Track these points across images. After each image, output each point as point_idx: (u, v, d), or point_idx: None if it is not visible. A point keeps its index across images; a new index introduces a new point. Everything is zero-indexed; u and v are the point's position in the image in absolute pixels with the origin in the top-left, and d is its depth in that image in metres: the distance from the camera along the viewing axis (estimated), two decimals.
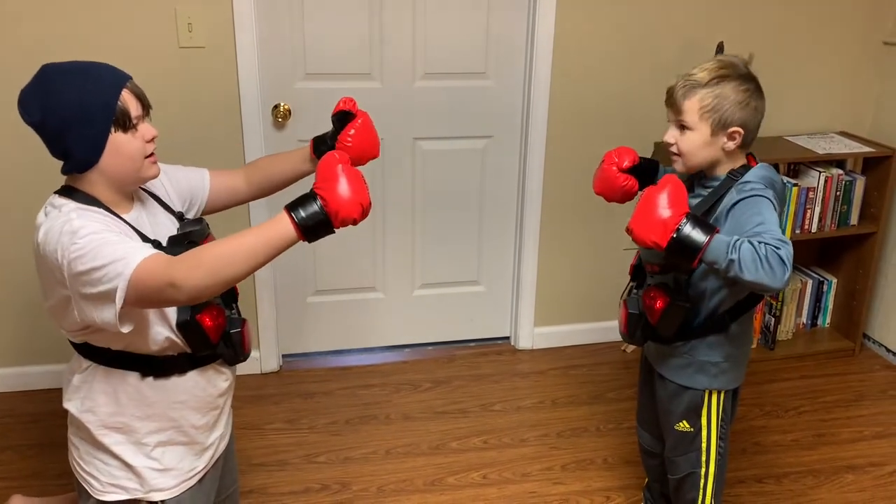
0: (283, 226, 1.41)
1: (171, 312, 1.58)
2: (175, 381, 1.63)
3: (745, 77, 1.64)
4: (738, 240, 1.45)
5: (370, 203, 1.44)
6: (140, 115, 1.56)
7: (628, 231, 1.51)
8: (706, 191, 1.70)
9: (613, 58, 2.77)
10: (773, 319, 3.05)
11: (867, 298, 3.04)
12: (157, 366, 1.60)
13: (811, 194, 2.83)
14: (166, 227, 1.69)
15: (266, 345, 2.86)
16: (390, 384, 2.83)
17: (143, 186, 1.70)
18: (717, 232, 1.47)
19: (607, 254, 2.96)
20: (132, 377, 1.59)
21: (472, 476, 2.36)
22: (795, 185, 2.81)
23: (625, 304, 1.78)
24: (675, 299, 1.65)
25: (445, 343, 3.09)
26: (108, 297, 1.41)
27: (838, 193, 2.87)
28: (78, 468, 1.67)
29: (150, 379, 1.60)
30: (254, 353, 2.83)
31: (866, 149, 2.86)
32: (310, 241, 1.43)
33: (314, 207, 1.41)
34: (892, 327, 3.06)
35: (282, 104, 2.63)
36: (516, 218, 2.97)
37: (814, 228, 2.89)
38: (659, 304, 1.66)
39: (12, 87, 1.59)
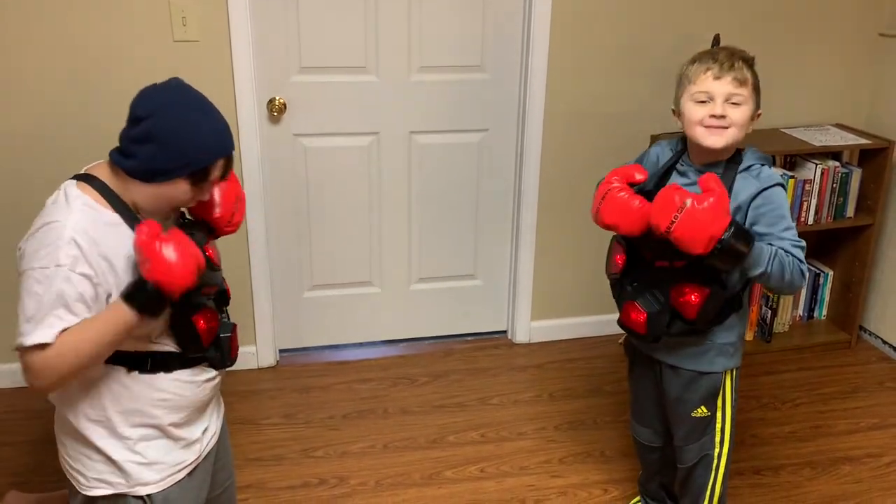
0: (119, 311, 1.46)
1: (165, 313, 1.58)
2: (160, 378, 1.62)
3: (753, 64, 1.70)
4: (774, 253, 1.57)
5: (201, 260, 1.50)
6: (216, 180, 1.57)
7: (666, 233, 1.52)
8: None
9: (610, 50, 2.77)
10: (770, 312, 3.06)
11: (863, 291, 3.04)
12: (143, 363, 1.60)
13: (807, 186, 2.83)
14: (170, 225, 1.69)
15: (262, 340, 2.86)
16: (387, 378, 2.83)
17: None
18: (754, 237, 1.56)
19: (604, 247, 2.93)
20: (118, 371, 1.59)
21: (469, 470, 2.36)
22: (792, 177, 2.80)
23: (634, 305, 1.71)
24: (715, 289, 1.64)
25: (442, 337, 3.09)
26: (22, 322, 1.45)
27: (834, 185, 2.87)
28: (66, 464, 1.67)
29: (135, 373, 1.60)
30: (250, 348, 2.84)
31: (862, 141, 2.86)
32: (150, 317, 1.48)
33: (139, 283, 1.46)
34: (888, 319, 3.07)
35: (277, 98, 2.62)
36: (513, 211, 2.96)
37: (810, 221, 2.89)
38: (695, 297, 1.63)
39: None
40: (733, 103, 1.64)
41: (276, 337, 2.90)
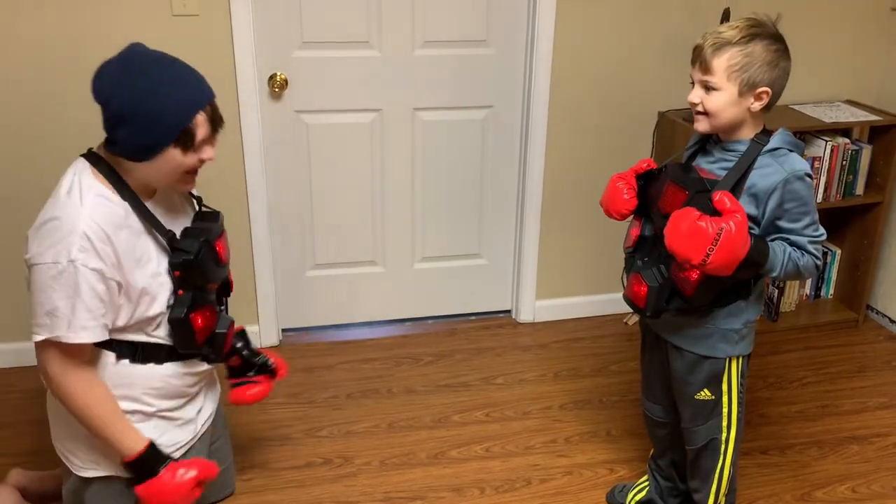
0: (133, 445, 1.56)
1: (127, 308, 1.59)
2: (150, 368, 1.61)
3: (774, 36, 1.62)
4: (787, 257, 1.58)
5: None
6: (206, 137, 1.50)
7: (700, 265, 1.53)
8: (730, 155, 1.66)
9: (617, 25, 2.71)
10: (777, 291, 3.03)
11: (871, 269, 3.01)
12: (135, 352, 1.59)
13: (816, 164, 2.79)
14: (183, 215, 1.67)
15: (265, 319, 2.83)
16: (391, 358, 2.81)
17: None
18: (768, 246, 1.57)
19: (609, 226, 2.89)
20: (108, 357, 1.58)
21: (474, 449, 2.35)
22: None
23: (638, 277, 1.71)
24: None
25: (446, 317, 3.07)
26: (39, 321, 1.47)
27: (844, 163, 2.83)
28: (58, 446, 1.67)
29: (125, 362, 1.58)
30: (253, 328, 2.82)
31: (873, 117, 2.82)
32: (127, 470, 1.59)
33: (155, 467, 1.58)
34: (895, 298, 3.05)
35: (278, 74, 2.57)
36: (518, 190, 2.92)
37: (819, 198, 2.85)
38: (695, 275, 1.61)
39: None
40: (708, 88, 1.61)
41: (279, 316, 2.88)
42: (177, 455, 1.70)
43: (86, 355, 1.50)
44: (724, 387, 1.78)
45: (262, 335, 2.85)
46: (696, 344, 1.75)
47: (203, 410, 1.80)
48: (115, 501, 1.66)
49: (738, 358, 1.77)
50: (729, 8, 2.61)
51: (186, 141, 1.47)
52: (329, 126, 2.69)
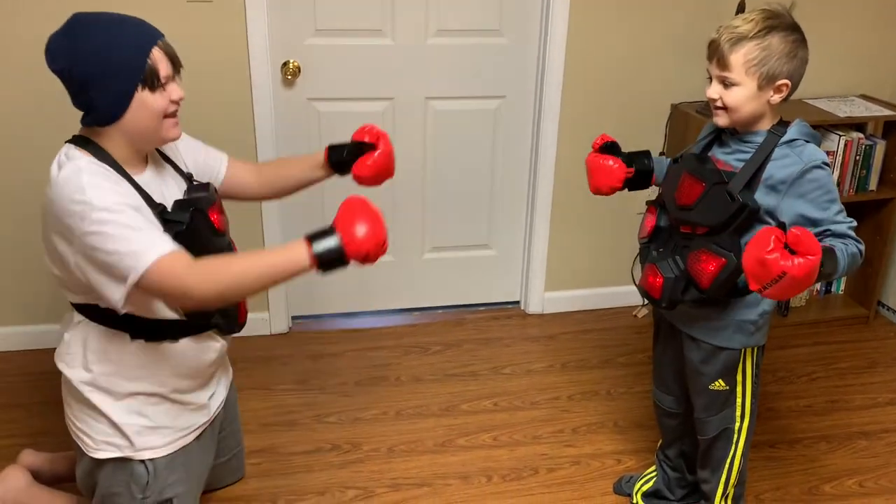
0: (300, 254, 1.43)
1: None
2: (166, 347, 1.62)
3: (791, 27, 1.60)
4: (844, 258, 1.51)
5: (386, 242, 1.48)
6: (169, 74, 1.52)
7: (759, 291, 1.45)
8: (747, 146, 1.65)
9: (631, 16, 2.70)
10: None
11: (884, 265, 2.99)
12: (149, 329, 1.59)
13: (830, 158, 2.75)
14: (175, 191, 1.67)
15: (275, 306, 2.85)
16: (400, 347, 2.82)
17: (158, 148, 1.66)
18: (833, 255, 1.50)
19: (620, 218, 2.92)
20: (123, 338, 1.58)
21: (482, 438, 2.35)
22: None
23: (654, 268, 1.71)
24: (731, 259, 1.59)
25: (455, 307, 3.07)
26: (116, 279, 1.43)
27: (858, 158, 2.81)
28: (72, 426, 1.68)
29: (140, 342, 1.59)
30: (263, 315, 2.83)
31: (887, 112, 2.80)
32: (322, 273, 1.45)
33: (332, 243, 1.43)
34: None
35: (291, 61, 2.58)
36: (528, 181, 2.92)
37: None
38: (712, 266, 1.60)
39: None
40: (727, 84, 1.59)
41: (290, 304, 2.89)
42: (190, 438, 1.71)
43: (184, 255, 1.45)
44: (739, 377, 1.78)
45: (273, 322, 2.86)
46: (712, 335, 1.75)
47: (216, 396, 1.81)
48: (127, 483, 1.66)
49: (753, 349, 1.76)
50: (744, 0, 2.59)
51: (152, 79, 1.48)
52: (341, 114, 2.69)
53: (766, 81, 1.58)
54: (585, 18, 2.67)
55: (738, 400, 1.80)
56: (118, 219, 1.41)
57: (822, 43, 2.88)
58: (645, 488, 2.12)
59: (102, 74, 1.45)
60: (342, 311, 3.00)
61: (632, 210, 2.86)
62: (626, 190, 1.86)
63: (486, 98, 2.78)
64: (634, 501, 2.11)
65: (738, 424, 1.82)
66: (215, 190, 1.74)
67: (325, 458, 2.25)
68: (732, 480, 1.87)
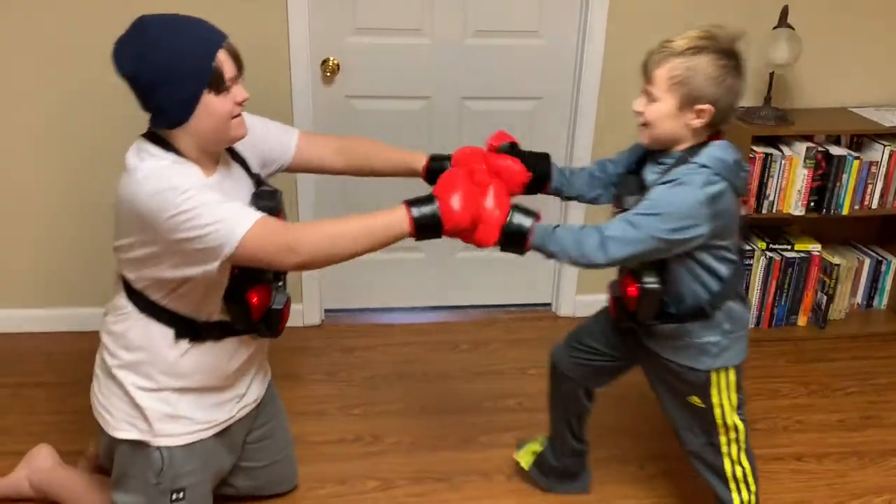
0: (399, 216, 1.47)
1: (224, 282, 1.59)
2: (207, 346, 1.65)
3: (724, 52, 1.54)
4: (555, 228, 1.53)
5: (483, 217, 1.51)
6: (234, 76, 1.54)
7: (478, 243, 1.53)
8: (660, 167, 1.62)
9: (672, 20, 2.68)
10: (826, 298, 2.95)
11: None
12: (194, 329, 1.62)
13: (873, 169, 2.71)
14: (244, 193, 1.69)
15: (309, 298, 2.90)
16: (429, 343, 2.84)
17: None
18: (539, 219, 1.52)
19: None
20: (167, 334, 1.61)
21: (504, 437, 2.36)
22: (857, 158, 2.69)
23: (609, 287, 1.76)
24: (645, 284, 1.59)
25: (486, 306, 3.09)
26: (212, 253, 1.44)
27: None
28: (95, 400, 1.71)
29: (183, 341, 1.62)
30: (297, 306, 2.88)
31: None
32: (418, 239, 1.50)
33: (430, 209, 1.47)
34: None
35: (331, 59, 2.63)
36: None
37: (874, 205, 2.77)
38: (631, 290, 1.61)
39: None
40: (651, 98, 1.57)
41: (323, 297, 2.94)
42: (209, 433, 1.71)
43: (279, 221, 1.50)
44: (715, 399, 1.72)
45: (305, 314, 2.92)
46: (677, 355, 1.72)
47: (246, 396, 1.80)
48: (142, 467, 1.67)
49: (723, 370, 1.70)
50: (787, 6, 2.55)
51: (218, 82, 1.50)
52: (379, 112, 2.73)
53: (687, 102, 1.53)
54: (624, 22, 2.66)
55: (719, 420, 1.74)
56: (205, 198, 1.44)
57: (870, 51, 2.82)
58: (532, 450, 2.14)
59: (169, 79, 1.46)
60: (374, 306, 3.04)
61: None
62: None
63: (522, 99, 2.79)
64: (520, 464, 2.13)
65: (723, 438, 1.76)
66: (281, 199, 1.75)
67: (348, 449, 2.29)
68: (741, 482, 1.81)
